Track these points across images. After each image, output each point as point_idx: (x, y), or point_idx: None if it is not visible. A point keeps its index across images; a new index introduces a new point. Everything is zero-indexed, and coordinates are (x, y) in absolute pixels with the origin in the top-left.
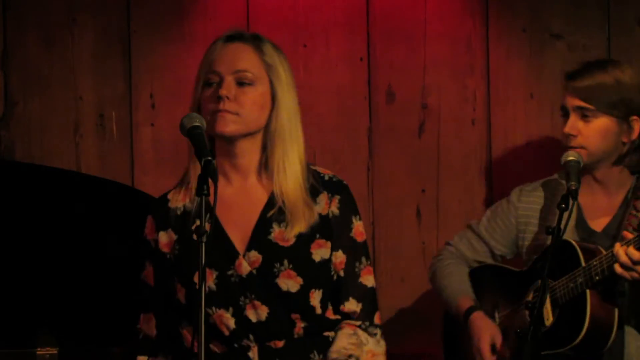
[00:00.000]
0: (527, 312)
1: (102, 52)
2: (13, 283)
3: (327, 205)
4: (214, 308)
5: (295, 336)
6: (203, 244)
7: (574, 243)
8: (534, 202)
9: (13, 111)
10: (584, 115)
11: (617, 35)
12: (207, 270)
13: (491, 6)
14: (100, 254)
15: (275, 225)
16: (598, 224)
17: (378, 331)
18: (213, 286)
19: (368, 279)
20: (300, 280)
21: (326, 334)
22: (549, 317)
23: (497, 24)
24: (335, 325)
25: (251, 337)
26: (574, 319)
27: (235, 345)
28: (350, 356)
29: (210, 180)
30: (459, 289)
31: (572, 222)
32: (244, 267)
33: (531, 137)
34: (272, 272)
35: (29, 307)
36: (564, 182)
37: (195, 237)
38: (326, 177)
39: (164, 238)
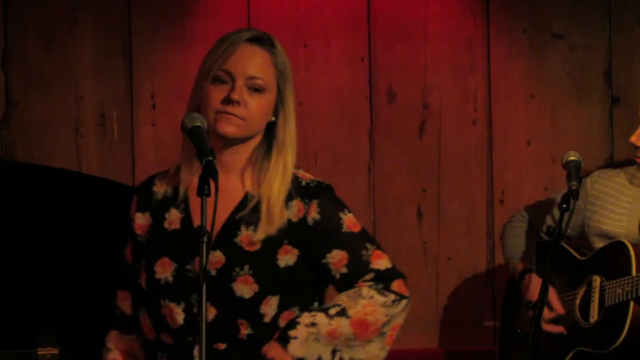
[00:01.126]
0: (577, 303)
1: (103, 52)
2: (14, 283)
3: (300, 212)
4: (166, 300)
5: (237, 342)
6: (204, 244)
7: (630, 248)
8: (605, 190)
9: (14, 111)
10: None
11: (618, 35)
12: (168, 260)
13: (492, 6)
14: (101, 253)
15: (243, 228)
16: None
17: (392, 295)
18: (170, 278)
19: (380, 263)
20: (256, 287)
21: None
22: (594, 315)
23: (498, 24)
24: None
25: (196, 335)
26: (614, 324)
27: (181, 341)
28: (335, 305)
29: (211, 180)
30: (518, 252)
31: (637, 220)
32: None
33: (532, 137)
34: (230, 275)
35: (30, 307)
36: (638, 172)
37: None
38: (303, 183)
39: (141, 220)
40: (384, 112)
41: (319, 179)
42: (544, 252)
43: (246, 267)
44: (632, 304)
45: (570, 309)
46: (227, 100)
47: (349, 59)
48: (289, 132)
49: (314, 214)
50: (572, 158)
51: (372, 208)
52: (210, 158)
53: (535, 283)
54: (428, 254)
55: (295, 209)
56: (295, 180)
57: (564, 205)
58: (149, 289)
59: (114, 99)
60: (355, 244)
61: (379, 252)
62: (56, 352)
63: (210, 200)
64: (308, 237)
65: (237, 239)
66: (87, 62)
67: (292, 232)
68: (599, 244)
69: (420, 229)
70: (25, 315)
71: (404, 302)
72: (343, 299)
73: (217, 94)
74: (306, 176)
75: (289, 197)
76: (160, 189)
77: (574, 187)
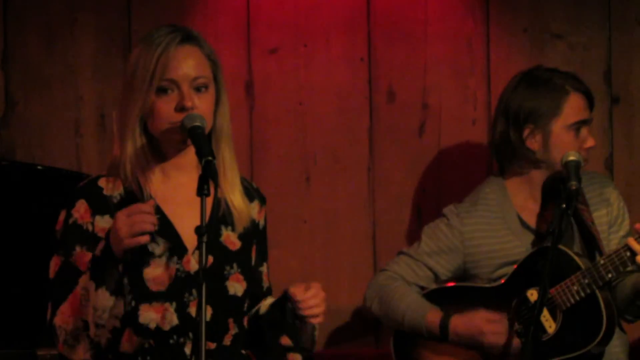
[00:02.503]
0: (516, 325)
1: (103, 52)
2: (14, 283)
3: (261, 214)
4: (160, 301)
5: (225, 342)
6: (204, 244)
7: (564, 249)
8: (477, 222)
9: (14, 111)
10: None
11: (618, 35)
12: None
13: (492, 6)
14: None
15: (223, 228)
16: (542, 225)
17: None
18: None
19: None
20: (245, 284)
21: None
22: (551, 325)
23: (498, 24)
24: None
25: (190, 334)
26: (585, 320)
27: (171, 341)
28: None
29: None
30: (422, 306)
31: (523, 231)
32: (192, 264)
33: None
34: (223, 274)
35: (30, 307)
36: (489, 195)
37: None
38: (254, 186)
39: (101, 222)
40: (383, 112)
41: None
42: (439, 302)
43: (235, 265)
44: (598, 292)
45: (510, 334)
46: (181, 108)
47: (348, 59)
48: (225, 118)
49: (262, 220)
50: (571, 158)
51: (372, 208)
52: (210, 158)
53: (469, 319)
54: None
55: (256, 210)
56: (245, 180)
57: (564, 206)
58: (137, 291)
59: (114, 98)
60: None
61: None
62: (56, 352)
63: (170, 197)
64: (257, 240)
65: (221, 239)
66: (87, 62)
67: (255, 230)
68: (499, 271)
69: (420, 229)
70: (25, 316)
71: None
72: None
73: (166, 104)
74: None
75: (251, 197)
76: (112, 192)
77: (574, 187)
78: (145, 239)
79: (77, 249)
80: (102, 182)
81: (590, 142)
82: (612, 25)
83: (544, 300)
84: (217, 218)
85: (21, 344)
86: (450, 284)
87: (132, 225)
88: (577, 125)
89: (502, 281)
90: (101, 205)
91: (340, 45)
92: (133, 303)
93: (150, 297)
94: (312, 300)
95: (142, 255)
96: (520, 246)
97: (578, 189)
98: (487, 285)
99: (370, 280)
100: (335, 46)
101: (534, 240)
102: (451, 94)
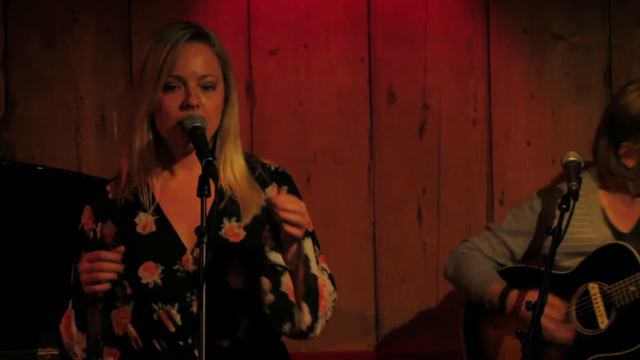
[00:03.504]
0: (574, 315)
1: (103, 52)
2: (14, 283)
3: (277, 196)
4: (160, 303)
5: (240, 337)
6: (204, 244)
7: (629, 247)
8: (554, 208)
9: (14, 111)
10: None
11: (618, 35)
12: (152, 264)
13: (492, 7)
14: None
15: (225, 220)
16: (625, 226)
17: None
18: (159, 281)
19: (326, 266)
20: (249, 276)
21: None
22: (604, 321)
23: (498, 25)
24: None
25: (196, 335)
26: (635, 321)
27: (181, 342)
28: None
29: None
30: (490, 276)
31: (604, 226)
32: (191, 263)
33: (532, 138)
34: (222, 269)
35: (30, 307)
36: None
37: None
38: (272, 168)
39: (104, 229)
40: (383, 113)
41: (278, 165)
42: (511, 281)
43: (235, 259)
44: None
45: (568, 321)
46: (187, 106)
47: (349, 60)
48: (233, 118)
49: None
50: (572, 158)
51: (372, 208)
52: (210, 158)
53: (527, 296)
54: (428, 254)
55: (273, 193)
56: (264, 165)
57: (564, 206)
58: (137, 296)
59: (114, 99)
60: (311, 240)
61: (323, 256)
62: (56, 352)
63: (173, 195)
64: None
65: (222, 232)
66: (88, 62)
67: (268, 214)
68: (567, 262)
69: (420, 230)
70: (25, 316)
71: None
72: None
73: (172, 101)
74: (270, 161)
75: (264, 183)
76: (117, 196)
77: (574, 188)
78: (101, 287)
79: (83, 254)
80: (110, 186)
81: None
82: (612, 25)
83: (544, 300)
84: (217, 214)
85: (22, 345)
86: (523, 266)
87: (90, 273)
88: None
89: (570, 271)
90: (104, 210)
91: (340, 46)
92: (101, 343)
93: (113, 340)
94: (289, 204)
95: (107, 298)
96: (595, 239)
97: (578, 190)
98: (557, 272)
99: (452, 249)
100: (335, 47)
101: (611, 237)
102: (451, 94)
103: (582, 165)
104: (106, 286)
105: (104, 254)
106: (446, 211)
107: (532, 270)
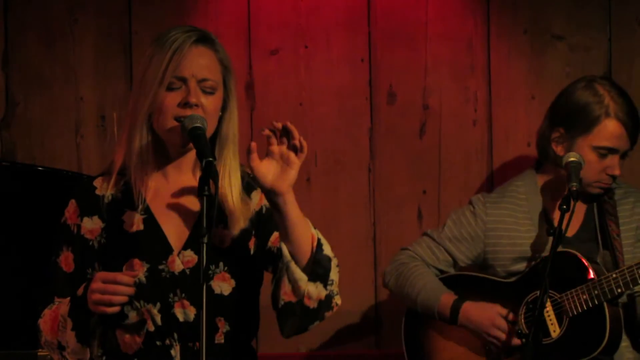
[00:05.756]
0: (523, 323)
1: (103, 52)
2: (14, 284)
3: (261, 201)
4: (142, 302)
5: (216, 340)
6: (204, 245)
7: (579, 255)
8: (502, 214)
9: (14, 112)
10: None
11: (618, 36)
12: (138, 262)
13: (492, 7)
14: None
15: (213, 227)
16: (568, 230)
17: None
18: (143, 279)
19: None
20: (233, 282)
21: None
22: (555, 329)
23: (498, 25)
24: (256, 330)
25: (175, 335)
26: (589, 330)
27: (158, 342)
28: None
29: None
30: (438, 288)
31: (544, 227)
32: (177, 264)
33: (532, 138)
34: (207, 274)
35: (30, 308)
36: (519, 188)
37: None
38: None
39: (89, 224)
40: (384, 113)
41: None
42: (454, 288)
43: (221, 264)
44: (606, 305)
45: (512, 333)
46: (185, 104)
47: (349, 60)
48: (232, 125)
49: (264, 202)
50: (572, 159)
51: (372, 209)
52: (211, 159)
53: (480, 308)
54: None
55: (257, 199)
56: (248, 174)
57: (564, 206)
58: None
59: (114, 99)
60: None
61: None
62: None
63: (163, 196)
64: (261, 224)
65: (211, 239)
66: (88, 62)
67: (257, 221)
68: (513, 267)
69: (420, 230)
70: (25, 316)
71: None
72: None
73: (172, 100)
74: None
75: (250, 189)
76: (105, 192)
77: (574, 188)
78: (113, 310)
79: (64, 249)
80: (97, 182)
81: (614, 171)
82: (612, 26)
83: (544, 301)
84: (211, 218)
85: (22, 345)
86: (467, 273)
87: (102, 293)
88: (604, 151)
89: (517, 278)
90: (90, 205)
91: (340, 46)
92: (104, 358)
93: (134, 297)
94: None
95: (115, 317)
96: (537, 244)
97: (578, 190)
98: (503, 280)
99: (392, 257)
100: (335, 47)
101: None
102: (451, 94)
103: (583, 165)
104: (117, 309)
105: (120, 277)
106: (446, 211)
107: (470, 277)
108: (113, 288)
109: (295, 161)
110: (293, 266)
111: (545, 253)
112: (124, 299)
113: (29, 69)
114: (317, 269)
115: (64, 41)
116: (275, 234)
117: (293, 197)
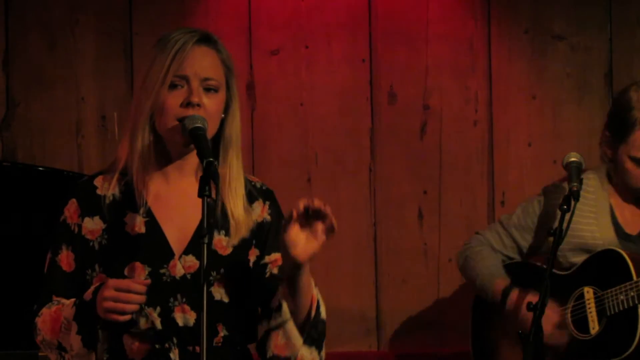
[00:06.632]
0: (569, 317)
1: (104, 53)
2: (15, 284)
3: (263, 212)
4: (142, 304)
5: (214, 344)
6: (205, 245)
7: (624, 254)
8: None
9: (15, 112)
10: None
11: (619, 36)
12: (139, 265)
13: (493, 8)
14: None
15: (215, 232)
16: (632, 228)
17: None
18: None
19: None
20: (232, 289)
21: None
22: (594, 327)
23: (499, 26)
24: (255, 337)
25: (174, 339)
26: (622, 331)
27: (157, 346)
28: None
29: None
30: (496, 272)
31: (609, 225)
32: (178, 269)
33: (533, 138)
34: (208, 280)
35: (30, 308)
36: (589, 180)
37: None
38: (257, 185)
39: (90, 224)
40: (384, 113)
41: (262, 182)
42: (515, 275)
43: (222, 270)
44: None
45: (563, 324)
46: (187, 104)
47: (350, 60)
48: (234, 127)
49: (266, 215)
50: (573, 159)
51: (373, 209)
52: (211, 159)
53: (522, 297)
54: (429, 255)
55: (259, 209)
56: (250, 182)
57: (565, 207)
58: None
59: (115, 100)
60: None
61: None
62: None
63: (165, 199)
64: (262, 237)
65: (211, 243)
66: (88, 63)
67: (259, 231)
68: (574, 258)
69: (421, 230)
70: (26, 317)
71: None
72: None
73: (174, 99)
74: (254, 178)
75: (252, 199)
76: (106, 192)
77: (575, 189)
78: (125, 318)
79: (63, 248)
80: (97, 181)
81: None
82: (613, 26)
83: (545, 301)
84: (211, 222)
85: (21, 346)
86: (531, 262)
87: (115, 301)
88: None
89: (570, 272)
90: (92, 205)
91: (341, 47)
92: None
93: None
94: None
95: (124, 324)
96: (599, 238)
97: (579, 190)
98: (557, 272)
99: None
100: (336, 47)
101: (615, 237)
102: (452, 95)
103: (583, 166)
104: (128, 317)
105: (133, 285)
106: (447, 212)
107: (536, 266)
108: (126, 297)
109: (322, 237)
110: (291, 325)
111: (605, 247)
112: (136, 307)
113: (30, 69)
114: (313, 333)
115: (65, 42)
116: (275, 256)
117: (308, 267)
